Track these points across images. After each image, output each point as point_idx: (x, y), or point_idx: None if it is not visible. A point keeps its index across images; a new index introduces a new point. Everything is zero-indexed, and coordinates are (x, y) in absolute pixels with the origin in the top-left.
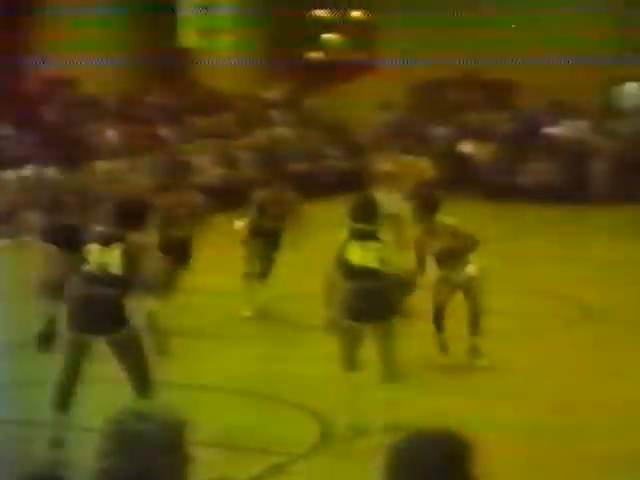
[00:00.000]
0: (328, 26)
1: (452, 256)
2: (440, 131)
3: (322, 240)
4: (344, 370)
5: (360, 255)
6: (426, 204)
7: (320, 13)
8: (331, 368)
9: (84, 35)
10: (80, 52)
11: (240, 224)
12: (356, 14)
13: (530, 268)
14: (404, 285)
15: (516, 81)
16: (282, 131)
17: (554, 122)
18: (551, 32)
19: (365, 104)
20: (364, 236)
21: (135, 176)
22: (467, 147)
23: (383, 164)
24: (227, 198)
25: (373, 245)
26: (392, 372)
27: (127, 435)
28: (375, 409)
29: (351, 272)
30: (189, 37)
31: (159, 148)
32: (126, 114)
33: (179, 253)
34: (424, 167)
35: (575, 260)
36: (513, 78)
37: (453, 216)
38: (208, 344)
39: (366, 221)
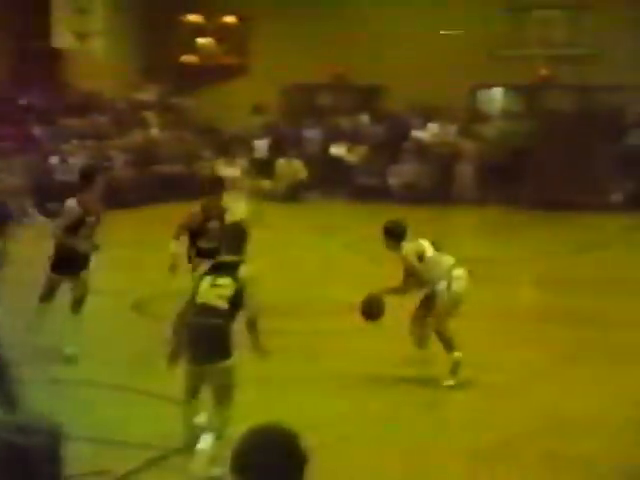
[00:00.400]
0: (202, 31)
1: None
2: (311, 134)
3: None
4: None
5: (206, 291)
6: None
7: (193, 18)
8: None
9: None
10: None
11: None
12: (229, 19)
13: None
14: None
15: (385, 85)
16: (155, 133)
17: (422, 126)
18: (420, 37)
19: (238, 107)
20: (220, 269)
21: (6, 177)
22: (338, 149)
23: (225, 169)
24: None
25: (222, 281)
26: (219, 426)
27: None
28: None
29: (195, 309)
30: (63, 39)
31: (32, 149)
32: None
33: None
34: (297, 168)
35: None
36: (382, 83)
37: (326, 216)
38: (90, 341)
39: (231, 252)
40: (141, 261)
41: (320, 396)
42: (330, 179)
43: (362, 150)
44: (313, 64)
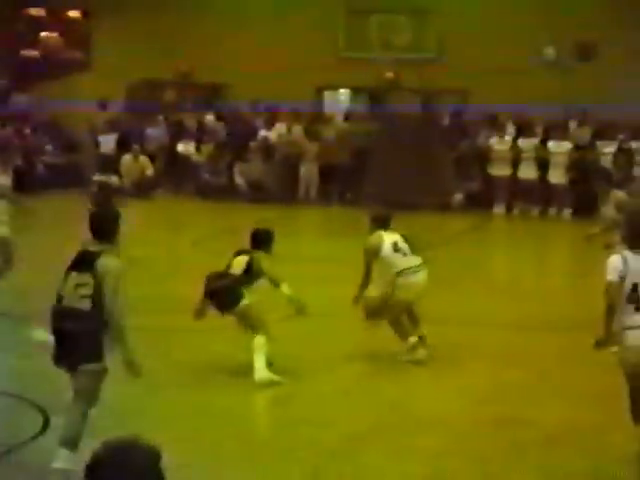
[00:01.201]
0: (44, 25)
1: None
2: (156, 130)
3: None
4: None
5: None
6: None
7: (35, 12)
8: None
9: None
10: None
11: None
12: (72, 13)
13: None
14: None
15: (229, 84)
16: None
17: (267, 125)
18: (266, 38)
19: (83, 102)
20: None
21: None
22: (184, 147)
23: None
24: None
25: (85, 278)
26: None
27: None
28: None
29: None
30: None
31: None
32: None
33: None
34: (143, 164)
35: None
36: (226, 81)
37: (174, 213)
38: None
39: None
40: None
41: (175, 392)
42: (177, 176)
43: (208, 148)
44: (158, 61)
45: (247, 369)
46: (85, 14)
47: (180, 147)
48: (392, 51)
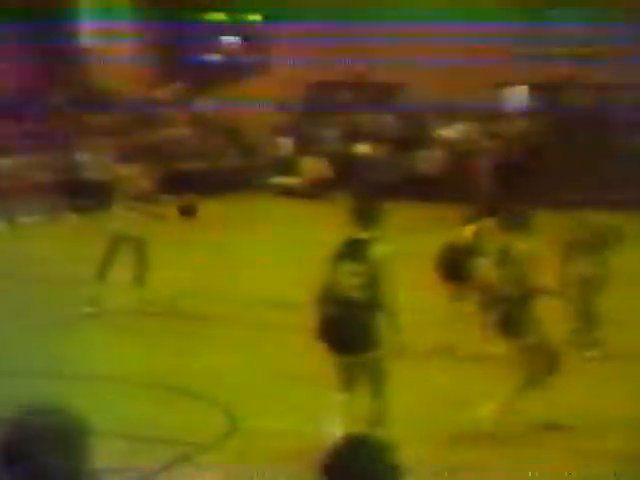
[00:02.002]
0: (225, 29)
1: None
2: (332, 131)
3: (218, 238)
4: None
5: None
6: None
7: (217, 16)
8: (234, 361)
9: None
10: None
11: None
12: (252, 17)
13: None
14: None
15: (404, 83)
16: (177, 130)
17: (444, 124)
18: (441, 35)
19: (261, 105)
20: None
21: (32, 173)
22: (361, 147)
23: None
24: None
25: (357, 267)
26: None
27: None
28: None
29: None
30: (87, 38)
31: (57, 146)
32: (22, 112)
33: None
34: (321, 166)
35: None
36: (402, 81)
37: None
38: (120, 336)
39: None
40: (171, 257)
41: None
42: (352, 177)
43: (384, 148)
44: (334, 62)
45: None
46: (265, 18)
47: (356, 147)
48: (567, 46)
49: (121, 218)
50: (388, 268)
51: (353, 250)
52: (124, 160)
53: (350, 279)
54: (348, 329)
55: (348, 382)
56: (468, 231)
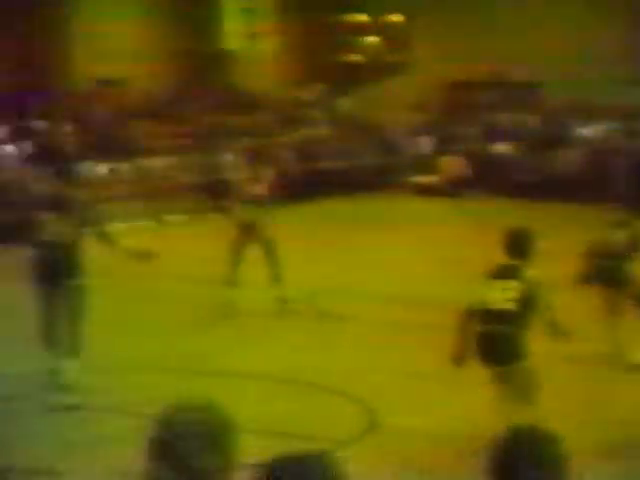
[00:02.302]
0: (367, 29)
1: None
2: (471, 131)
3: (356, 237)
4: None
5: (496, 295)
6: None
7: (359, 17)
8: (372, 358)
9: (130, 36)
10: (127, 54)
11: None
12: (394, 17)
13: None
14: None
15: (543, 82)
16: (320, 130)
17: (583, 123)
18: (577, 33)
19: (401, 104)
20: (503, 274)
21: (182, 173)
22: (500, 146)
23: None
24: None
25: (511, 284)
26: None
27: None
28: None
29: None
30: (232, 40)
31: (202, 147)
32: (172, 114)
33: None
34: (460, 165)
35: None
36: (540, 79)
37: (487, 213)
38: (259, 334)
39: (512, 256)
40: (308, 255)
41: None
42: (491, 176)
43: (523, 147)
44: (475, 61)
45: None
46: (407, 18)
47: (496, 146)
48: None
49: (244, 219)
50: (541, 289)
51: (506, 271)
52: (260, 161)
53: (504, 294)
54: (501, 341)
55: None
56: (620, 234)
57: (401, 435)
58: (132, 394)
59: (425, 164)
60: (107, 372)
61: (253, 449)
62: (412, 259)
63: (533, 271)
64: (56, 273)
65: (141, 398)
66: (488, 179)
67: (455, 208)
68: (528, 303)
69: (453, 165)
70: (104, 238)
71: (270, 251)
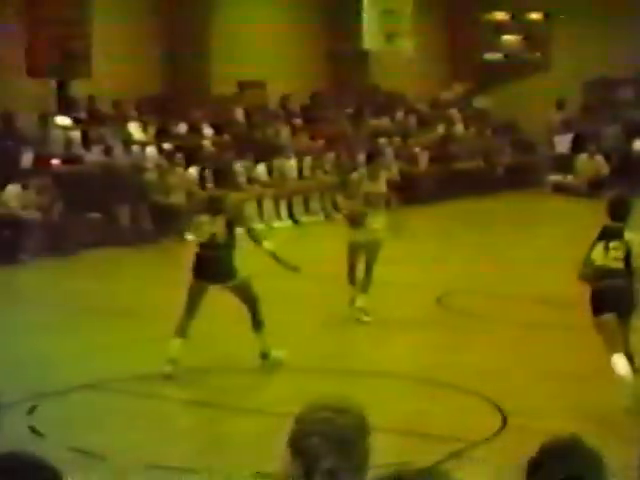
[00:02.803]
0: (506, 28)
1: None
2: (611, 129)
3: (491, 237)
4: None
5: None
6: None
7: (499, 15)
8: (504, 358)
9: (270, 38)
10: (267, 56)
11: None
12: (534, 15)
13: None
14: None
15: None
16: (459, 129)
17: None
18: None
19: (539, 102)
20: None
21: (320, 172)
22: (638, 145)
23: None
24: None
25: (615, 244)
26: None
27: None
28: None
29: (596, 272)
30: (373, 40)
31: (342, 147)
32: (311, 115)
33: None
34: (599, 164)
35: None
36: None
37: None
38: (393, 333)
39: (615, 219)
40: (442, 255)
41: None
42: (632, 175)
43: None
44: (615, 59)
45: None
46: (546, 15)
47: (636, 145)
48: None
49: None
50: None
51: (611, 232)
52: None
53: (612, 253)
54: (618, 295)
55: (616, 340)
56: None
57: (534, 436)
58: (271, 393)
59: (563, 163)
60: (245, 372)
61: (386, 448)
62: (546, 258)
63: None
64: (214, 273)
65: (279, 397)
66: (628, 178)
67: (592, 208)
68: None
69: (591, 164)
70: (254, 238)
71: (372, 253)
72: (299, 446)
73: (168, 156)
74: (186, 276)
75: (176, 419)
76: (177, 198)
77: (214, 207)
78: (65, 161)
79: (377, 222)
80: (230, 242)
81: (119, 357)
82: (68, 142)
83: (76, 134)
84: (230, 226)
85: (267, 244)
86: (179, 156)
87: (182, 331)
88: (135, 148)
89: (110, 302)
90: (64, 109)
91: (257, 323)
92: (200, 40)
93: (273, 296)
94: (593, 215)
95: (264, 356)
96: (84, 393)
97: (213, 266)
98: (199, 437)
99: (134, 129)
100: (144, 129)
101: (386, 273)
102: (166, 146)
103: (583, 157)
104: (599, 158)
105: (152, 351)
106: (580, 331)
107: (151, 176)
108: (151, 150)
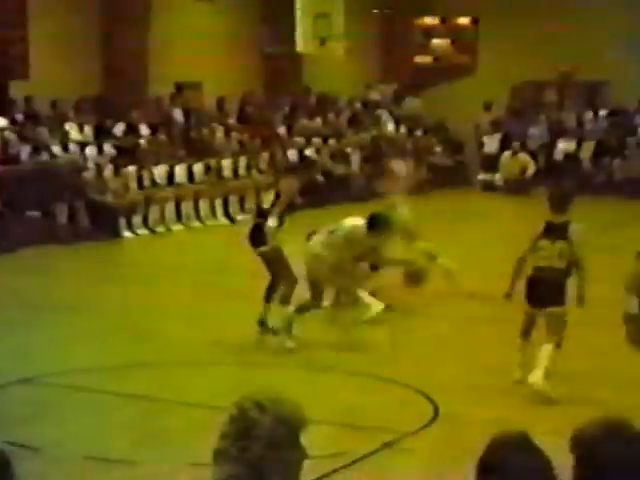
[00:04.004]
0: (436, 32)
1: None
2: (537, 129)
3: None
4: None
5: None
6: None
7: (429, 20)
8: (442, 352)
9: (205, 39)
10: (203, 57)
11: None
12: (462, 20)
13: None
14: None
15: (609, 81)
16: (389, 130)
17: None
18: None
19: (468, 104)
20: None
21: (255, 172)
22: (566, 145)
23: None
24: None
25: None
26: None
27: (245, 423)
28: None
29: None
30: (306, 43)
31: (276, 146)
32: (246, 115)
33: None
34: (524, 163)
35: None
36: (606, 79)
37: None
38: (332, 330)
39: (558, 212)
40: None
41: None
42: (557, 174)
43: (589, 146)
44: (540, 63)
45: None
46: (474, 21)
47: (560, 145)
48: None
49: None
50: (582, 241)
51: (554, 227)
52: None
53: (550, 251)
54: (547, 288)
55: (529, 330)
56: None
57: (467, 425)
58: (209, 387)
59: (491, 163)
60: (183, 365)
61: (322, 440)
62: (476, 254)
63: (574, 225)
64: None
65: (217, 391)
66: (552, 177)
67: (518, 205)
68: (570, 255)
69: (518, 163)
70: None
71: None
72: (238, 440)
73: (106, 155)
74: (122, 273)
75: (113, 412)
76: (114, 197)
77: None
78: (2, 161)
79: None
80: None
81: (56, 352)
82: (5, 143)
83: (13, 135)
84: None
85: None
86: (117, 155)
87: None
88: (73, 148)
89: (47, 298)
90: (1, 110)
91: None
92: (137, 41)
93: (214, 291)
94: (520, 212)
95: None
96: (20, 387)
97: None
98: (136, 430)
99: (72, 129)
100: (81, 129)
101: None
102: (105, 146)
103: (508, 156)
104: (526, 157)
105: (88, 346)
106: (511, 324)
107: (89, 175)
108: (90, 150)
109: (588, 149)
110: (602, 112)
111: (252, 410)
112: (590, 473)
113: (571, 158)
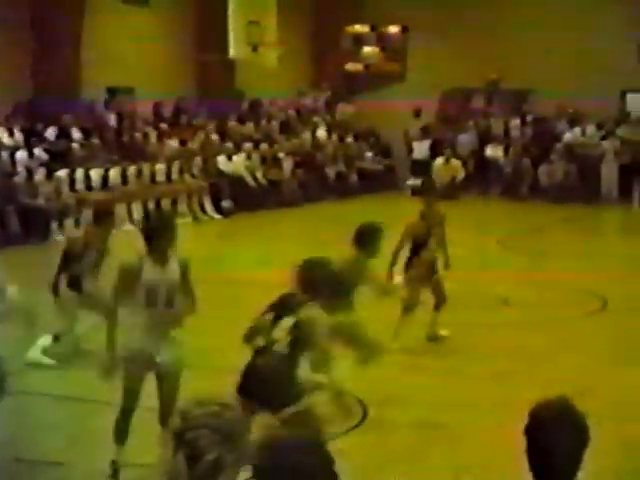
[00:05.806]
0: (366, 40)
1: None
2: (466, 136)
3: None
4: None
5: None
6: None
7: (359, 28)
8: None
9: (139, 45)
10: (136, 63)
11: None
12: (392, 29)
13: (549, 262)
14: None
15: (534, 90)
16: (322, 136)
17: (569, 128)
18: (568, 43)
19: (397, 111)
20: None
21: (187, 176)
22: (492, 151)
23: None
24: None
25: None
26: None
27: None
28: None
29: None
30: (238, 50)
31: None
32: (179, 120)
33: None
34: (455, 168)
35: (594, 256)
36: (531, 87)
37: (480, 214)
38: None
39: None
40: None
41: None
42: (484, 179)
43: (514, 151)
44: (468, 71)
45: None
46: (404, 29)
47: (488, 151)
48: None
49: None
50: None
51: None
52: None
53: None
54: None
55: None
56: None
57: (393, 427)
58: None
59: (420, 168)
60: None
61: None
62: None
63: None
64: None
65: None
66: (482, 182)
67: (447, 209)
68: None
69: (448, 168)
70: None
71: None
72: (185, 439)
73: (37, 159)
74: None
75: (44, 414)
76: (45, 201)
77: None
78: None
79: None
80: None
81: None
82: None
83: None
84: None
85: None
86: (48, 159)
87: None
88: (3, 152)
89: None
90: None
91: None
92: (70, 46)
93: None
94: (448, 217)
95: None
96: None
97: None
98: (67, 431)
99: (1, 133)
100: (11, 134)
101: (255, 273)
102: (35, 150)
103: (440, 162)
104: (457, 163)
105: (18, 349)
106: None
107: (19, 179)
108: (20, 154)
109: (515, 155)
110: (528, 118)
111: (197, 411)
112: (539, 453)
113: (498, 164)
